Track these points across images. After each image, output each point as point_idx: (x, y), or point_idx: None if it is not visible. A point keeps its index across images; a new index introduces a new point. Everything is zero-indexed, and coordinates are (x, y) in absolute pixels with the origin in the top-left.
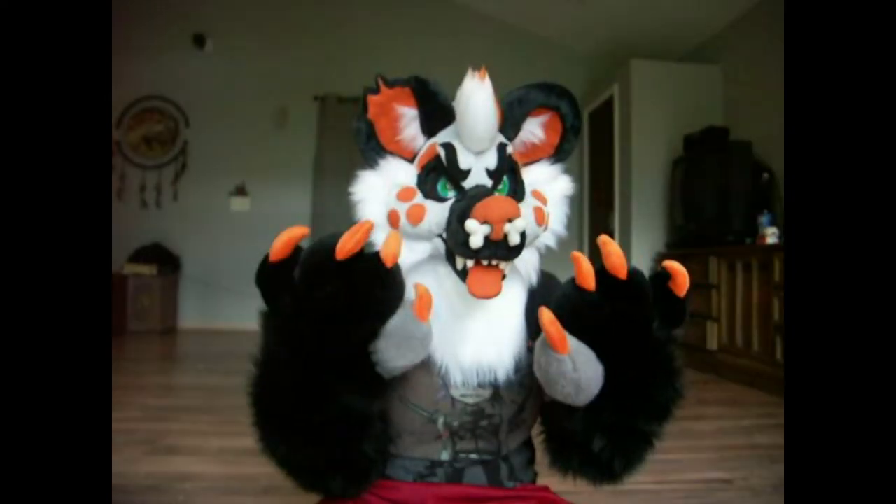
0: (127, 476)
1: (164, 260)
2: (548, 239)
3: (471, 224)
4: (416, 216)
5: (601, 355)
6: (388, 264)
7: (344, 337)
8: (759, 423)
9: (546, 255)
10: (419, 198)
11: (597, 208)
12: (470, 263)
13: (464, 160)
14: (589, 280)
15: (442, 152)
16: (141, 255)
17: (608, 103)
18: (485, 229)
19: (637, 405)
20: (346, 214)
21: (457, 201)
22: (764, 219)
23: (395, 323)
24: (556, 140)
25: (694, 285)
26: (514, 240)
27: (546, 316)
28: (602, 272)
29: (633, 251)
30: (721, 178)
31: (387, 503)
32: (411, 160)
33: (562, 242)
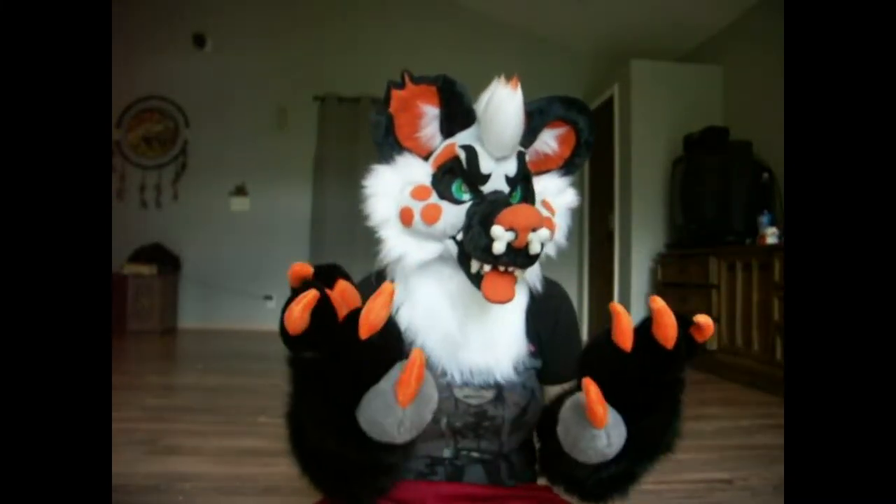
0: (127, 476)
1: (164, 260)
2: (549, 248)
3: (496, 230)
4: (432, 216)
5: (620, 407)
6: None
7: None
8: (759, 423)
9: (545, 262)
10: (434, 197)
11: (597, 208)
12: (487, 268)
13: (485, 165)
14: (627, 340)
15: (462, 154)
16: (141, 255)
17: (608, 103)
18: (509, 236)
19: (641, 452)
20: (346, 214)
21: (475, 205)
22: (764, 219)
23: (368, 407)
24: (567, 153)
25: (694, 286)
26: (535, 249)
27: (593, 392)
28: (644, 335)
29: (632, 251)
30: (721, 178)
31: (387, 502)
32: (425, 158)
33: (561, 249)
